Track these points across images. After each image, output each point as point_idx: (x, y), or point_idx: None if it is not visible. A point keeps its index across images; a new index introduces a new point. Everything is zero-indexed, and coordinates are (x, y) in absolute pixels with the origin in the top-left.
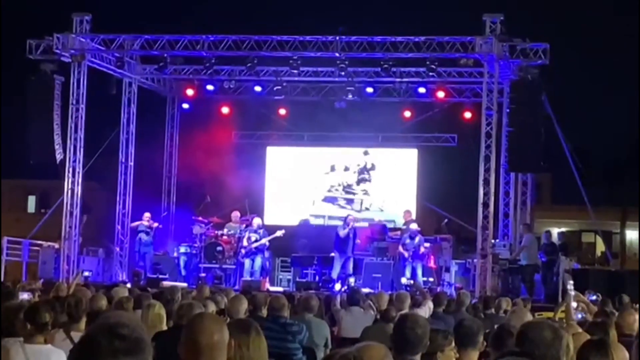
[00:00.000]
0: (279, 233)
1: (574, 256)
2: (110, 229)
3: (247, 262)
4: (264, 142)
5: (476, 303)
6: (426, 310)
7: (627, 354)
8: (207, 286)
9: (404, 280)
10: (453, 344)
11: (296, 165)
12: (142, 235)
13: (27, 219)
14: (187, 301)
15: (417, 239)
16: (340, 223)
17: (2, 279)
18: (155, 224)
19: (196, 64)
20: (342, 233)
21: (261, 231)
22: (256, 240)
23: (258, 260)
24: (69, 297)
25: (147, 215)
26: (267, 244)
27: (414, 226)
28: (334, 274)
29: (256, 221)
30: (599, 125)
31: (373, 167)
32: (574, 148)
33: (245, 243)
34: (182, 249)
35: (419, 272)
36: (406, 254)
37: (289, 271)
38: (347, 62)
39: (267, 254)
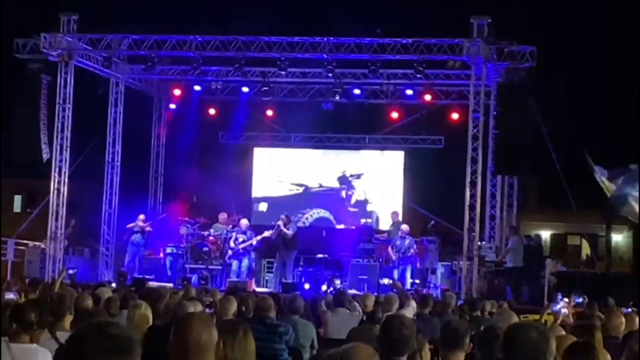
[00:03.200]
0: (266, 233)
1: (560, 259)
2: (97, 228)
3: (234, 263)
4: (251, 143)
5: (462, 305)
6: (410, 311)
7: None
8: (192, 287)
9: (385, 281)
10: (427, 345)
11: (283, 166)
12: (136, 237)
13: (12, 218)
14: (176, 301)
15: (407, 241)
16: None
17: None
18: (148, 228)
19: (183, 65)
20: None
21: (248, 232)
22: (243, 241)
23: (245, 262)
24: (53, 295)
25: (141, 217)
26: (255, 244)
27: (405, 227)
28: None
29: (244, 222)
30: (586, 128)
31: (360, 170)
32: (561, 151)
33: (232, 244)
34: (169, 250)
35: (408, 274)
36: (394, 256)
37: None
38: (334, 64)
39: (253, 255)
